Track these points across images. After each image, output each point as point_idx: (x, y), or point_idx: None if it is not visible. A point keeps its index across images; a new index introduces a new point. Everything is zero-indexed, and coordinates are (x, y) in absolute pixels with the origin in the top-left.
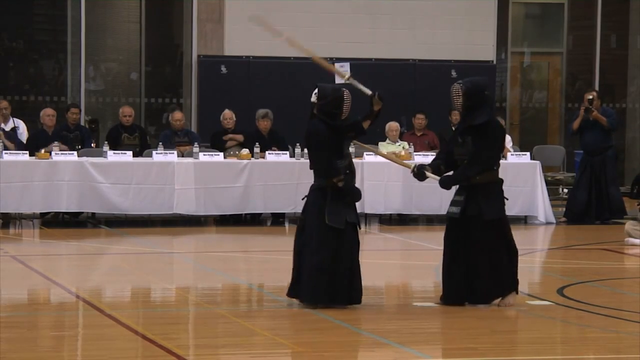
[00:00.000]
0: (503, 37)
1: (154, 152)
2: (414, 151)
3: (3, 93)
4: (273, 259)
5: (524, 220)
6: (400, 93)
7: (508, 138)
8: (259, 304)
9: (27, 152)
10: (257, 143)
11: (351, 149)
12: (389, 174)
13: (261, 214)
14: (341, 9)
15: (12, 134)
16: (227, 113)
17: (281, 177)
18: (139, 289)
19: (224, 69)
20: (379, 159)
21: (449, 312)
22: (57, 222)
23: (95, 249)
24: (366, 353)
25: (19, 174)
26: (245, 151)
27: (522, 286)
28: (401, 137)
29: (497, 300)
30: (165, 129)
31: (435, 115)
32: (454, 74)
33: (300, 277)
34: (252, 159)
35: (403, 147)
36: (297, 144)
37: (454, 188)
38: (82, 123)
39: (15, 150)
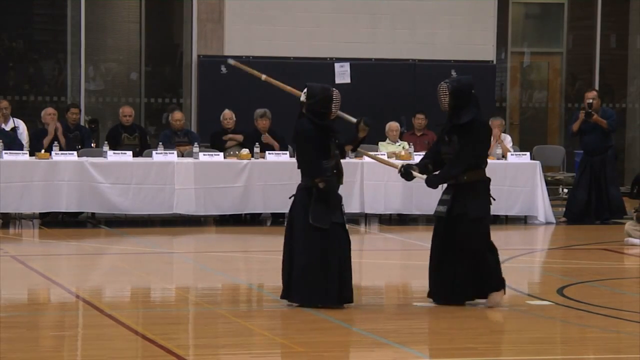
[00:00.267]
0: (503, 37)
1: (153, 152)
2: (414, 151)
3: (3, 93)
4: (273, 259)
5: (524, 220)
6: (400, 93)
7: (508, 138)
8: (259, 304)
9: (30, 151)
10: (256, 143)
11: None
12: (389, 174)
13: (261, 214)
14: (341, 9)
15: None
16: (227, 113)
17: (281, 177)
18: (139, 289)
19: (224, 69)
20: None
21: (449, 312)
22: (57, 222)
23: (95, 249)
24: (366, 353)
25: (19, 174)
26: (245, 151)
27: (522, 286)
28: (401, 137)
29: (483, 300)
30: (165, 129)
31: (435, 115)
32: (454, 74)
33: (290, 278)
34: (252, 159)
35: (403, 147)
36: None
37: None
38: (82, 123)
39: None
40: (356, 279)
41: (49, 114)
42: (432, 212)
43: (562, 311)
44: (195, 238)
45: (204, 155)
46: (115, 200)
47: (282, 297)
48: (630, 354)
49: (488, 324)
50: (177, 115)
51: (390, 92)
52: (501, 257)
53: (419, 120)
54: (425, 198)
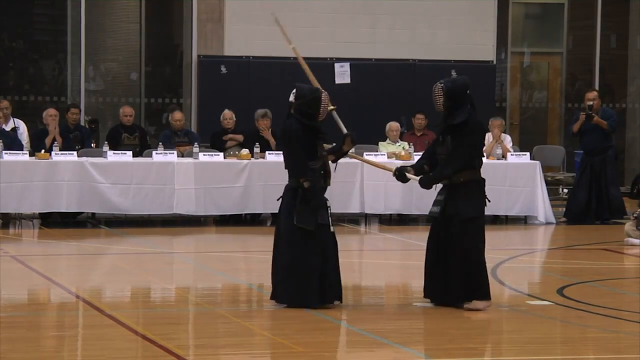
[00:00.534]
0: (503, 37)
1: (154, 152)
2: (414, 151)
3: (3, 93)
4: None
5: (524, 220)
6: (400, 93)
7: (508, 138)
8: (259, 304)
9: (32, 150)
10: (257, 143)
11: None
12: (389, 174)
13: (261, 214)
14: (341, 9)
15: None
16: (227, 113)
17: (281, 177)
18: (139, 289)
19: (224, 69)
20: (378, 159)
21: (449, 312)
22: (57, 222)
23: (95, 249)
24: (366, 353)
25: (19, 174)
26: (245, 151)
27: (522, 286)
28: (401, 137)
29: (471, 304)
30: (165, 129)
31: (435, 115)
32: (454, 74)
33: (276, 279)
34: (252, 159)
35: (403, 148)
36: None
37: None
38: (82, 123)
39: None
40: (356, 279)
41: (50, 115)
42: None
43: (562, 311)
44: (195, 238)
45: (204, 155)
46: (115, 200)
47: (271, 297)
48: (630, 354)
49: (488, 324)
50: (177, 115)
51: (390, 92)
52: (501, 257)
53: (419, 120)
54: (425, 198)
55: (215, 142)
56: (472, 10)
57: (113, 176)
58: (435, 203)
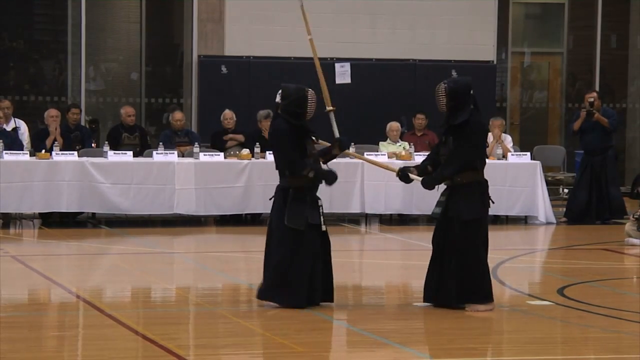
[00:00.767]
0: (503, 37)
1: (154, 152)
2: (415, 151)
3: (3, 93)
4: None
5: (524, 220)
6: (400, 93)
7: (508, 138)
8: (259, 304)
9: (32, 150)
10: (257, 143)
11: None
12: (389, 174)
13: (261, 214)
14: (341, 9)
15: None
16: (228, 113)
17: None
18: (139, 289)
19: (224, 69)
20: (378, 159)
21: (449, 312)
22: (57, 222)
23: (95, 249)
24: (366, 353)
25: (19, 174)
26: (245, 151)
27: (523, 286)
28: (401, 137)
29: (471, 307)
30: (166, 129)
31: (435, 115)
32: (454, 74)
33: (265, 278)
34: (253, 159)
35: (403, 148)
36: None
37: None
38: (83, 123)
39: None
40: (356, 279)
41: (51, 116)
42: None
43: (563, 311)
44: (195, 238)
45: (205, 155)
46: (116, 200)
47: (257, 297)
48: (631, 354)
49: (488, 324)
50: (178, 115)
51: (390, 92)
52: (501, 257)
53: (419, 120)
54: (426, 198)
55: (216, 142)
56: (473, 10)
57: (113, 176)
58: (437, 204)
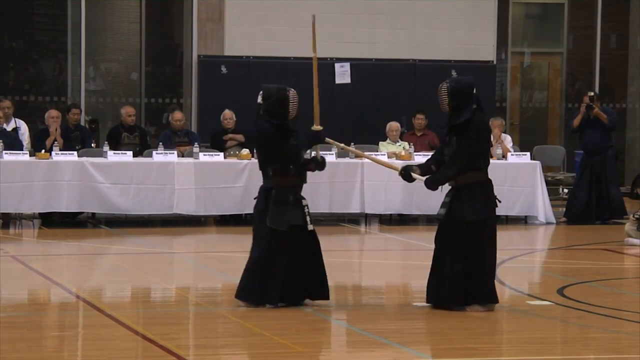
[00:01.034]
0: (503, 37)
1: (154, 152)
2: (414, 151)
3: (3, 93)
4: None
5: (524, 220)
6: (400, 93)
7: (508, 138)
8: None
9: (32, 151)
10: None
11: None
12: (389, 174)
13: None
14: (341, 9)
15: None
16: (227, 113)
17: None
18: (139, 289)
19: (224, 69)
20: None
21: (448, 312)
22: (57, 222)
23: (95, 249)
24: (366, 353)
25: (19, 174)
26: (245, 151)
27: (522, 286)
28: (401, 137)
29: (471, 307)
30: (166, 129)
31: (435, 115)
32: (454, 74)
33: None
34: (252, 159)
35: (403, 147)
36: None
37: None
38: (82, 123)
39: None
40: (356, 279)
41: (52, 117)
42: (432, 213)
43: (562, 311)
44: (195, 238)
45: (204, 155)
46: (116, 201)
47: (235, 296)
48: (630, 354)
49: (488, 324)
50: (177, 115)
51: (390, 92)
52: (501, 257)
53: (419, 120)
54: (426, 198)
55: (216, 142)
56: (472, 10)
57: (113, 176)
58: (442, 205)
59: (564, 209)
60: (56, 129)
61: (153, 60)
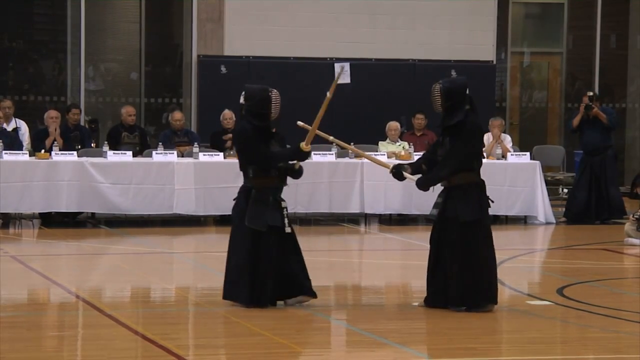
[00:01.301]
0: (503, 37)
1: (153, 152)
2: (414, 151)
3: (3, 93)
4: None
5: (523, 220)
6: (400, 93)
7: (508, 138)
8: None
9: (32, 150)
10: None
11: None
12: (388, 174)
13: None
14: (341, 9)
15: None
16: (227, 113)
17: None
18: (138, 289)
19: (223, 69)
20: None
21: (448, 312)
22: (57, 222)
23: (95, 249)
24: (366, 353)
25: (19, 174)
26: None
27: (522, 286)
28: (401, 137)
29: (469, 308)
30: (165, 129)
31: (434, 115)
32: (454, 74)
33: (225, 277)
34: None
35: (403, 147)
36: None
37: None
38: (82, 123)
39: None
40: (356, 279)
41: (51, 117)
42: None
43: (562, 311)
44: (195, 238)
45: (204, 155)
46: (115, 200)
47: (223, 297)
48: (630, 354)
49: (488, 324)
50: (177, 115)
51: (390, 92)
52: (501, 257)
53: (419, 120)
54: (425, 198)
55: (215, 141)
56: (472, 10)
57: (113, 176)
58: (434, 206)
59: (564, 209)
60: (55, 129)
61: (153, 60)
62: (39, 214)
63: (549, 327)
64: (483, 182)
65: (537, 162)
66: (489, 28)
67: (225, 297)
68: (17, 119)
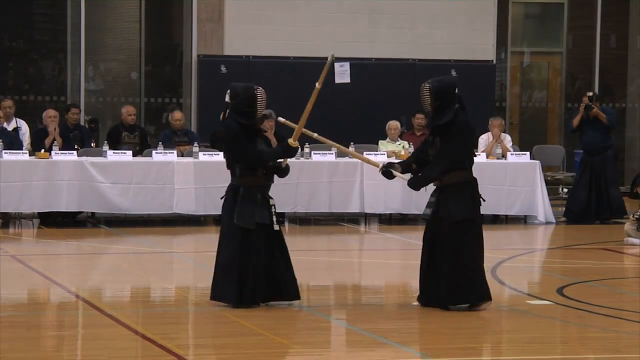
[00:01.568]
0: (503, 37)
1: (153, 152)
2: (414, 150)
3: (3, 93)
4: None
5: (523, 220)
6: (400, 93)
7: (508, 138)
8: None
9: (32, 150)
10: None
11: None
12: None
13: None
14: (341, 9)
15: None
16: None
17: None
18: (138, 288)
19: (223, 69)
20: (378, 158)
21: (448, 312)
22: (57, 222)
23: (94, 249)
24: (366, 353)
25: (19, 174)
26: None
27: (522, 286)
28: (401, 136)
29: (465, 307)
30: (165, 128)
31: None
32: (453, 73)
33: (214, 277)
34: None
35: (403, 147)
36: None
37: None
38: (82, 123)
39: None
40: (356, 279)
41: (49, 117)
42: None
43: (562, 311)
44: (195, 238)
45: (204, 154)
46: (115, 200)
47: (211, 298)
48: (630, 353)
49: (488, 324)
50: (177, 115)
51: (390, 92)
52: (501, 257)
53: (419, 120)
54: (425, 198)
55: (215, 141)
56: (472, 10)
57: (113, 176)
58: (428, 205)
59: (564, 209)
60: (55, 129)
61: (153, 60)
62: (38, 213)
63: (548, 327)
64: (475, 180)
65: (537, 161)
66: (489, 28)
67: (212, 297)
68: (17, 119)
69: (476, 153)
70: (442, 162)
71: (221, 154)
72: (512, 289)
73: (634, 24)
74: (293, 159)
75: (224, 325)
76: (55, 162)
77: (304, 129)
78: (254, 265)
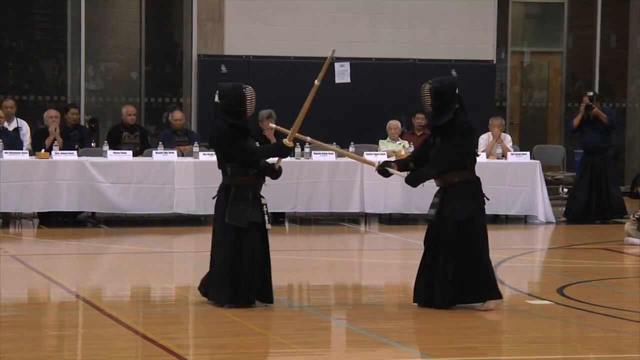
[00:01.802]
0: (503, 37)
1: (153, 152)
2: (413, 150)
3: (3, 93)
4: (272, 259)
5: (524, 220)
6: (400, 93)
7: (508, 138)
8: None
9: (32, 150)
10: (257, 143)
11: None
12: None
13: None
14: (341, 9)
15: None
16: None
17: (281, 176)
18: (138, 288)
19: (224, 69)
20: (378, 158)
21: (449, 312)
22: (57, 222)
23: (95, 249)
24: (366, 352)
25: (19, 174)
26: None
27: (522, 286)
28: (401, 136)
29: (477, 305)
30: (165, 128)
31: None
32: (453, 73)
33: (209, 276)
34: None
35: (403, 146)
36: (297, 144)
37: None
38: (82, 123)
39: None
40: (356, 279)
41: (50, 117)
42: None
43: (562, 311)
44: (195, 237)
45: (204, 154)
46: (116, 200)
47: (199, 289)
48: (630, 353)
49: (488, 324)
50: (177, 114)
51: (390, 92)
52: (501, 257)
53: (419, 119)
54: (426, 198)
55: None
56: (472, 9)
57: (113, 176)
58: (431, 205)
59: (564, 209)
60: (55, 129)
61: (153, 60)
62: (38, 213)
63: (549, 327)
64: (478, 179)
65: (537, 161)
66: (489, 28)
67: (207, 296)
68: (18, 119)
69: (477, 153)
70: (441, 162)
71: None
72: (512, 288)
73: (634, 24)
74: (293, 159)
75: (224, 325)
76: (56, 162)
77: (298, 134)
78: (248, 264)
